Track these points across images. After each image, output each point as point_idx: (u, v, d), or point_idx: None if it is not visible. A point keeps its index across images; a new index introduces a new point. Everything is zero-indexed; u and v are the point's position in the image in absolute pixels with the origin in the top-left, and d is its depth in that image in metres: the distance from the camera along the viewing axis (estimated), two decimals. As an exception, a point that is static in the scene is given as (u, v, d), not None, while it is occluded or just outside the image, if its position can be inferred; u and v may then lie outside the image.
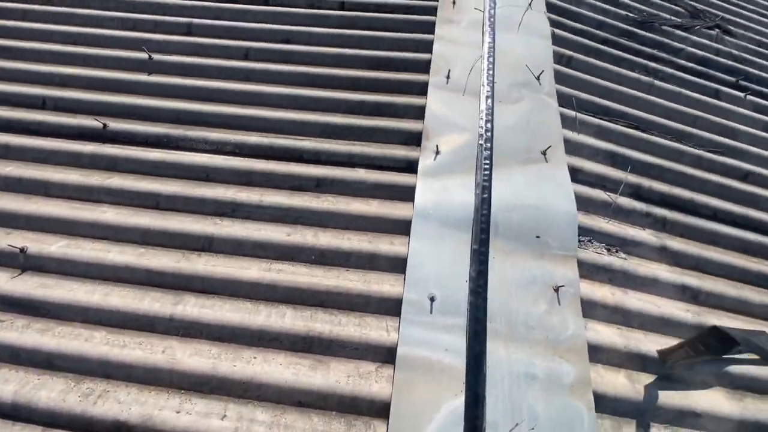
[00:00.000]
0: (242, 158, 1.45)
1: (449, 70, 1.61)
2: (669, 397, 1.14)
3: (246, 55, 1.76)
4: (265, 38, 1.82)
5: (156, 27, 1.87)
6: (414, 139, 1.49)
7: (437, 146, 1.40)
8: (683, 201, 1.58)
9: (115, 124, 1.55)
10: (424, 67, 1.67)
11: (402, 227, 1.27)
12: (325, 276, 1.19)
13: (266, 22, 1.87)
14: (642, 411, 1.11)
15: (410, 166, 1.41)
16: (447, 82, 1.60)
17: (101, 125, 1.53)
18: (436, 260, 1.19)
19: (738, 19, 2.50)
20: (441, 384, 1.01)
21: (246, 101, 1.61)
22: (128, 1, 1.96)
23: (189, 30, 1.86)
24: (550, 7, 1.98)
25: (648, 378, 1.16)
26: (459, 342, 1.08)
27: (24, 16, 1.92)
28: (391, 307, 1.14)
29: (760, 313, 1.40)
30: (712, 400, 1.17)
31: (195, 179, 1.41)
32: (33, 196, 1.41)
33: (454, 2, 1.86)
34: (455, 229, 1.25)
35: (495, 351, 1.07)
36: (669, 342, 1.20)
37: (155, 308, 1.13)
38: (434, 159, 1.39)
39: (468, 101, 1.56)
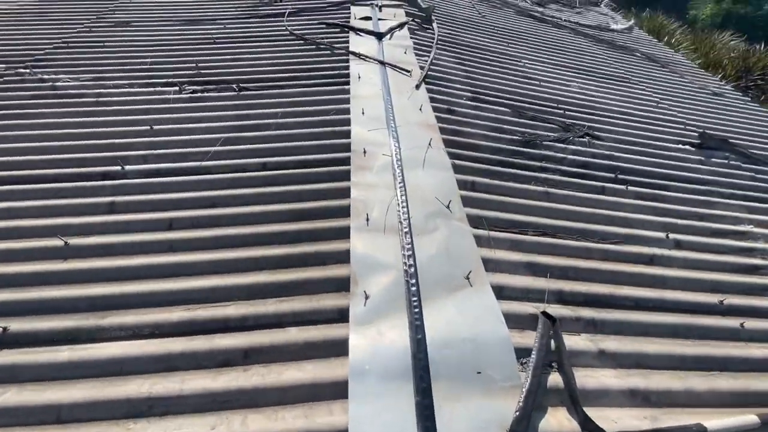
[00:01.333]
0: (161, 340, 1.35)
1: (367, 214, 1.74)
2: None
3: (170, 225, 1.79)
4: (189, 206, 1.88)
5: (76, 210, 1.88)
6: (343, 285, 1.50)
7: (365, 291, 1.42)
8: (605, 297, 1.68)
9: (18, 325, 1.41)
10: (345, 212, 1.79)
11: (340, 390, 1.19)
12: (258, 473, 1.04)
13: (191, 191, 1.96)
14: None
15: (342, 316, 1.40)
16: (367, 224, 1.71)
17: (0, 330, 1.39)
18: (381, 425, 1.10)
19: (601, 126, 3.05)
20: None
21: (168, 274, 1.58)
22: (48, 188, 1.99)
23: (112, 209, 1.89)
24: (447, 143, 2.30)
25: None
26: None
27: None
28: (336, 497, 1.00)
29: (709, 401, 1.40)
30: None
31: (106, 376, 1.27)
32: None
33: (365, 151, 2.10)
34: (395, 380, 1.19)
35: None
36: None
37: None
38: (364, 304, 1.39)
39: (389, 239, 1.65)
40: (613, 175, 2.52)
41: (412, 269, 1.51)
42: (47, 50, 3.34)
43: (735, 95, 4.57)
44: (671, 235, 2.12)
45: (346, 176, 1.99)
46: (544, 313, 1.47)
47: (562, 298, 1.63)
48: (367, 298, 1.41)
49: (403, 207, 1.79)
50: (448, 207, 1.83)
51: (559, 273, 1.73)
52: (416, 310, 1.37)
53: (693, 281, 1.90)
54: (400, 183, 1.91)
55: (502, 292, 1.55)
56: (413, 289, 1.43)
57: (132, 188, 1.99)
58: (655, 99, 3.78)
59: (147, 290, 1.51)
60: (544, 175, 2.34)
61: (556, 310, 1.56)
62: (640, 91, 3.88)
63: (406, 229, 1.68)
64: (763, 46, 10.11)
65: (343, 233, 1.70)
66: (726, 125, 3.65)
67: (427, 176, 2.01)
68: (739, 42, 10.77)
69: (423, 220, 1.75)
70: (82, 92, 2.77)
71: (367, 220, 1.73)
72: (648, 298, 1.73)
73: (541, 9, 5.62)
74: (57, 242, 1.69)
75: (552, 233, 1.93)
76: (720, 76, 7.12)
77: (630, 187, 2.43)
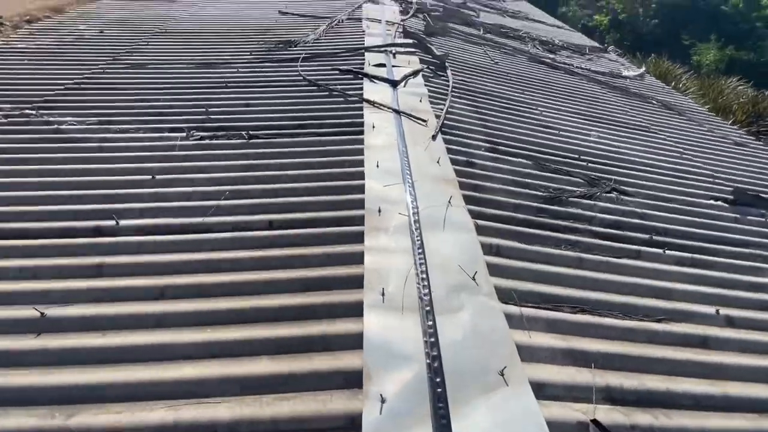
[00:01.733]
0: (136, 451, 1.12)
1: (383, 288, 1.53)
2: None
3: (161, 294, 1.60)
4: (185, 270, 1.69)
5: (60, 272, 1.70)
6: (354, 381, 1.28)
7: (381, 394, 1.19)
8: (660, 395, 1.43)
9: (-30, 421, 1.19)
10: (358, 282, 1.59)
11: None
12: None
13: (188, 252, 1.79)
14: None
15: (353, 424, 1.17)
16: (383, 301, 1.50)
17: (-53, 428, 1.17)
18: None
19: (628, 179, 2.88)
20: None
21: (153, 357, 1.36)
22: (33, 244, 1.82)
23: (99, 272, 1.70)
24: (467, 200, 2.13)
25: None
26: None
27: None
28: None
29: None
30: None
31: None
32: None
33: (379, 210, 1.93)
34: None
35: None
36: None
37: None
38: (380, 411, 1.16)
39: (408, 320, 1.44)
40: (647, 237, 2.31)
41: (437, 363, 1.29)
42: (58, 91, 3.30)
43: (757, 145, 4.42)
44: (721, 311, 1.88)
45: (359, 238, 1.81)
46: (594, 421, 1.23)
47: (610, 396, 1.39)
48: (383, 402, 1.18)
49: (422, 279, 1.59)
50: (473, 278, 1.62)
51: (604, 362, 1.49)
52: (443, 421, 1.13)
53: (754, 370, 1.64)
54: (419, 249, 1.72)
55: (542, 391, 1.31)
56: (439, 390, 1.21)
57: (124, 247, 1.81)
58: (679, 149, 3.63)
59: (125, 380, 1.29)
60: (574, 237, 2.14)
61: (606, 413, 1.31)
62: (661, 141, 3.75)
63: (428, 308, 1.47)
64: (770, 91, 10.13)
65: (355, 310, 1.49)
66: (754, 178, 3.47)
67: (448, 239, 1.82)
68: (746, 88, 10.82)
69: (446, 296, 1.54)
70: (86, 136, 2.67)
71: (383, 294, 1.52)
72: (709, 395, 1.48)
73: (552, 56, 5.64)
74: (32, 313, 1.49)
75: (591, 310, 1.71)
76: (731, 121, 7.05)
77: (668, 251, 2.22)
